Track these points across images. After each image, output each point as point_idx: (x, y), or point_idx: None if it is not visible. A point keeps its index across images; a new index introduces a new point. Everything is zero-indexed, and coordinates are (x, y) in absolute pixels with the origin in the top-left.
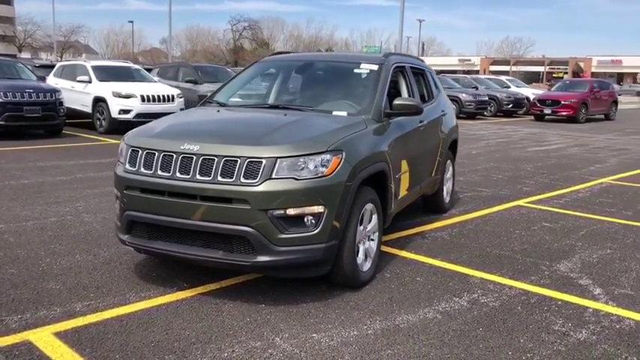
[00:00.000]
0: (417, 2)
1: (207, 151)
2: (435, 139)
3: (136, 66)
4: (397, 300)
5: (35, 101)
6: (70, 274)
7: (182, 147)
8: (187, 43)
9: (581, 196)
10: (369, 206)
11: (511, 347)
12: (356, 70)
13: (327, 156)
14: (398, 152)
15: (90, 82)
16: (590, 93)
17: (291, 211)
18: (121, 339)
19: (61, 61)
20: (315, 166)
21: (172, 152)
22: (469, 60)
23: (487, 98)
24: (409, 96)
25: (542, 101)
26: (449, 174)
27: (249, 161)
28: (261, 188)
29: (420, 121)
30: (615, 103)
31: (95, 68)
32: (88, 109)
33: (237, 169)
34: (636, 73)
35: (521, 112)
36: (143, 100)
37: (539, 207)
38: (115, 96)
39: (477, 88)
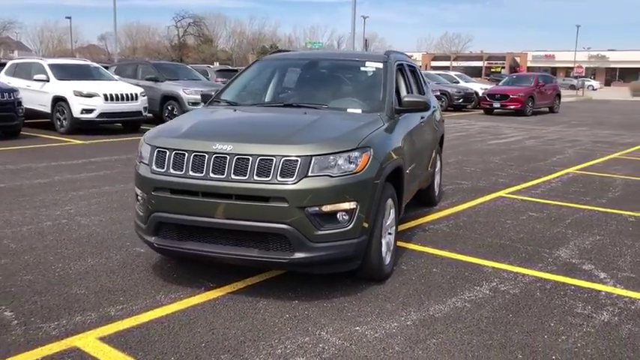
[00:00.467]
0: None
1: (241, 150)
2: (431, 133)
3: (95, 64)
4: (423, 291)
5: None
6: (89, 278)
7: (214, 147)
8: (127, 39)
9: (554, 186)
10: (389, 202)
11: (545, 331)
12: (362, 68)
13: (358, 153)
14: (407, 148)
15: (48, 80)
16: (536, 87)
17: (326, 208)
18: (170, 341)
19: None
20: (348, 163)
21: (204, 152)
22: (411, 56)
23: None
24: (407, 92)
25: (491, 95)
26: (437, 167)
27: (285, 160)
28: (298, 186)
29: (421, 117)
30: (559, 96)
31: (53, 66)
32: (47, 109)
33: (273, 168)
34: (569, 68)
35: (470, 106)
36: (106, 99)
37: (521, 197)
38: (76, 95)
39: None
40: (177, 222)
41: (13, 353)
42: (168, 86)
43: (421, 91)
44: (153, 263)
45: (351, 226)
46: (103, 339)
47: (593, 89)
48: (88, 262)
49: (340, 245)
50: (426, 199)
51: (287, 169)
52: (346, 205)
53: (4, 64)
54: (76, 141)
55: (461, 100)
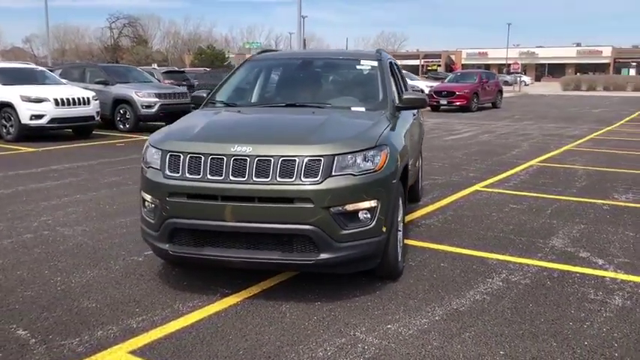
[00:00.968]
0: None
1: (262, 152)
2: (419, 130)
3: (41, 68)
4: (439, 286)
5: None
6: (95, 290)
7: (233, 149)
8: (55, 41)
9: (523, 179)
10: (400, 199)
11: (568, 318)
12: (358, 67)
13: (376, 151)
14: (409, 144)
15: None
16: (480, 83)
17: (349, 207)
18: (205, 350)
19: None
20: (366, 162)
21: (222, 155)
22: None
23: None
24: (397, 89)
25: (438, 93)
26: (418, 164)
27: (308, 160)
28: (323, 186)
29: (414, 114)
30: (500, 92)
31: None
32: None
33: (296, 169)
34: (501, 65)
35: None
36: (57, 103)
37: (496, 190)
38: (24, 100)
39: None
40: (194, 227)
41: None
42: (119, 89)
43: (406, 88)
44: (157, 272)
45: (373, 224)
46: (134, 352)
47: (526, 84)
48: (88, 274)
49: (363, 244)
50: (411, 195)
51: (311, 170)
52: (368, 204)
53: None
54: (26, 149)
55: None
